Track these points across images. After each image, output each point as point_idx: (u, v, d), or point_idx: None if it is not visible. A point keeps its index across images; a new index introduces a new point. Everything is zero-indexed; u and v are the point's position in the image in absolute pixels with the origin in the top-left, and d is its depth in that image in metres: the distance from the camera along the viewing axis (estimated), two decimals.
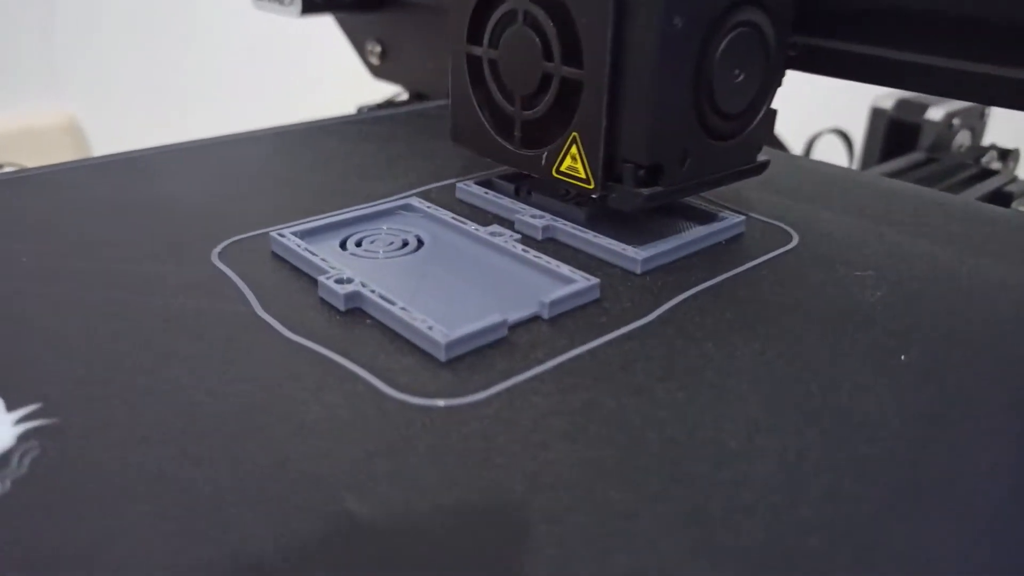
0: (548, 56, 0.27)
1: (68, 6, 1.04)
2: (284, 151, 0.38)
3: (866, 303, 0.24)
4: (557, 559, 0.15)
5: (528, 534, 0.15)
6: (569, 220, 0.28)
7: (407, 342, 0.21)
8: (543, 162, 0.28)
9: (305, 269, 0.25)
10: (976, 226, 0.30)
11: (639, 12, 0.24)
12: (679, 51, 0.24)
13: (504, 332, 0.22)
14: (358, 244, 0.27)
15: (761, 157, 0.30)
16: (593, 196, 0.27)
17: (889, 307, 0.24)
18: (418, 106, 0.48)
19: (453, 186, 0.33)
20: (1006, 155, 0.57)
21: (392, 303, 0.22)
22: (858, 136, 0.62)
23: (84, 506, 0.16)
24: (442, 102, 0.49)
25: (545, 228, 0.28)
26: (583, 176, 0.27)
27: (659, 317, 0.23)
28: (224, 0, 1.02)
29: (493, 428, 0.18)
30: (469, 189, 0.32)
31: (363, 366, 0.20)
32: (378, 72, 0.57)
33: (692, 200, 0.31)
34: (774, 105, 0.29)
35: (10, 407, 0.18)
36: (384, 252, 0.27)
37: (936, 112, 0.56)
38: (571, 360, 0.21)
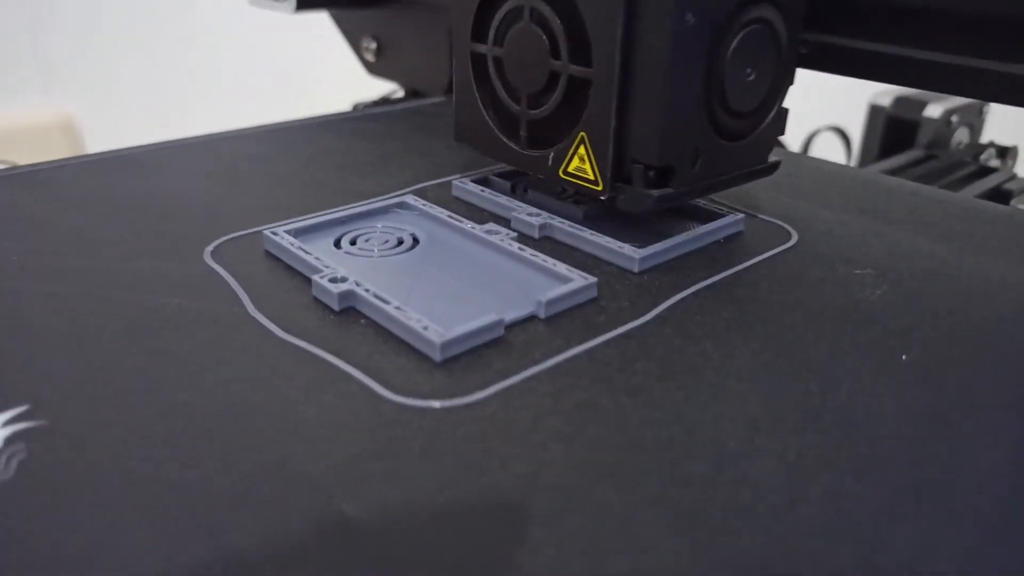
0: (555, 54, 0.26)
1: (65, 4, 1.04)
2: (278, 148, 0.38)
3: (866, 301, 0.24)
4: (555, 561, 0.14)
5: (526, 536, 0.15)
6: (566, 218, 0.28)
7: (402, 342, 0.21)
8: (549, 162, 0.28)
9: (299, 268, 0.25)
10: (976, 224, 0.30)
11: (650, 8, 0.23)
12: (691, 48, 0.24)
13: (500, 332, 0.22)
14: (352, 243, 0.27)
15: (771, 157, 0.29)
16: (601, 198, 0.26)
17: (889, 305, 0.24)
18: (414, 103, 0.48)
19: (449, 184, 0.32)
20: (1005, 152, 0.57)
21: (387, 302, 0.22)
22: (856, 133, 0.62)
23: (73, 509, 0.15)
24: (438, 99, 0.48)
25: (542, 226, 0.28)
26: (591, 177, 0.26)
27: (657, 316, 0.23)
28: None
29: (489, 429, 0.18)
30: (465, 187, 0.31)
31: (357, 366, 0.20)
32: (374, 69, 0.57)
33: None
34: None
35: None
36: (379, 251, 0.27)
37: (935, 109, 0.56)
38: (568, 360, 0.21)
